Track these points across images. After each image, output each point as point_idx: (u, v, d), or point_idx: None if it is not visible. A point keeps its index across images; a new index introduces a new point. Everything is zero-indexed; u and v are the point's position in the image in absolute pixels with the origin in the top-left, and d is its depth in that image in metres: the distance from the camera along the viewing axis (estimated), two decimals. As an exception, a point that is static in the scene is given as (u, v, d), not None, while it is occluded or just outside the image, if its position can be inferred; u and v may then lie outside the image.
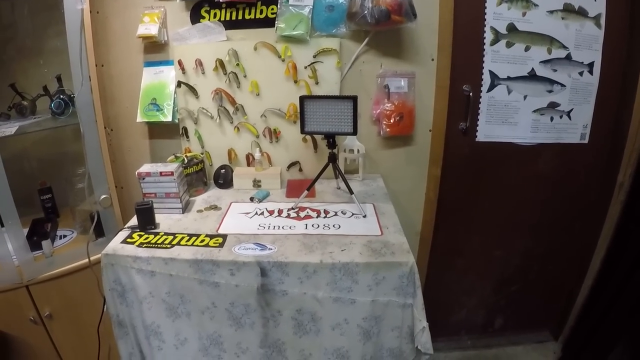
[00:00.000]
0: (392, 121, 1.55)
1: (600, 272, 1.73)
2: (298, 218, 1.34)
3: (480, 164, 1.70)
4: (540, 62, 1.60)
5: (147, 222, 1.31)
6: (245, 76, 1.56)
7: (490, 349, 1.91)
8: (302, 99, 1.33)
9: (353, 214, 1.35)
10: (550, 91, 1.63)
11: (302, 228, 1.27)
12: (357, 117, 1.28)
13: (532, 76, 1.61)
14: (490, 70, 1.60)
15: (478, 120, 1.64)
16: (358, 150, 1.59)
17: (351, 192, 1.37)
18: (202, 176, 1.58)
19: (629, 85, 1.59)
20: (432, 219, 1.71)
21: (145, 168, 1.40)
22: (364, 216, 1.33)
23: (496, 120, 1.65)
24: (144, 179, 1.39)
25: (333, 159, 1.38)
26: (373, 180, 1.64)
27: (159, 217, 1.36)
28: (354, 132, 1.30)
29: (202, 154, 1.65)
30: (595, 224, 1.74)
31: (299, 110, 1.35)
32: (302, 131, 1.35)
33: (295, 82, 1.55)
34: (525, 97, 1.63)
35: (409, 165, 1.68)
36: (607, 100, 1.64)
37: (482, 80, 1.60)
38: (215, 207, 1.45)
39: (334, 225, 1.28)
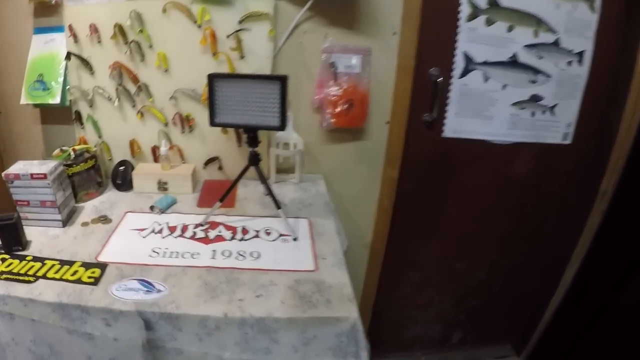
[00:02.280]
0: (338, 110, 1.17)
1: (572, 287, 1.47)
2: (206, 240, 0.96)
3: (446, 163, 1.36)
4: (525, 46, 1.25)
5: (12, 241, 0.93)
6: (150, 46, 1.13)
7: (446, 366, 1.65)
8: (212, 77, 0.92)
9: (280, 235, 0.98)
10: (533, 82, 1.29)
11: (208, 257, 0.90)
12: (286, 105, 0.90)
13: (513, 62, 1.26)
14: (464, 52, 1.23)
15: (446, 111, 1.29)
16: (295, 145, 1.21)
17: (278, 207, 0.99)
18: (95, 175, 1.16)
19: (621, 82, 1.28)
20: (385, 228, 1.38)
21: (16, 168, 0.99)
22: (295, 239, 0.97)
23: (468, 112, 1.30)
24: (12, 182, 0.97)
25: (255, 160, 0.99)
26: (312, 183, 1.26)
27: (33, 232, 0.99)
28: (282, 127, 0.92)
29: (98, 145, 1.22)
30: (571, 234, 1.46)
31: (207, 94, 0.93)
32: (212, 122, 0.95)
33: (214, 54, 1.12)
34: (504, 86, 1.29)
35: (359, 164, 1.32)
36: (595, 97, 1.32)
37: (454, 63, 1.24)
38: (105, 219, 1.05)
39: (251, 254, 0.91)
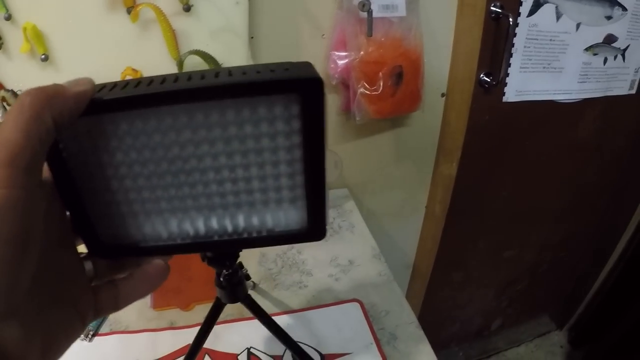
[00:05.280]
0: (380, 88, 0.65)
1: (622, 258, 1.19)
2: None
3: (503, 138, 0.92)
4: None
5: None
6: (8, 17, 0.51)
7: (487, 358, 1.35)
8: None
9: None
10: (609, 17, 0.86)
11: None
12: (324, 164, 0.27)
13: (590, -9, 0.81)
14: (535, -26, 0.75)
15: (509, 66, 0.83)
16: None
17: None
18: None
19: None
20: (434, 243, 0.93)
21: None
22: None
23: (535, 65, 0.85)
24: None
25: (235, 292, 0.41)
26: (337, 210, 0.74)
27: None
28: (314, 232, 0.29)
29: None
30: (626, 204, 1.13)
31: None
32: (93, 248, 0.28)
33: (131, 10, 0.52)
34: (578, 25, 0.84)
35: (398, 164, 0.83)
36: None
37: (522, -7, 0.76)
38: None
39: None
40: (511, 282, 1.24)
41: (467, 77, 0.73)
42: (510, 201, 1.04)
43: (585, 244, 1.26)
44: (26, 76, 0.57)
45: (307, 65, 0.27)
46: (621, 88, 0.98)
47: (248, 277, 0.42)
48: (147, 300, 0.62)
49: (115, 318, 0.59)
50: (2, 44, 0.54)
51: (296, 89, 0.25)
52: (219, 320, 0.58)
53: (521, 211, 1.08)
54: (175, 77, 0.27)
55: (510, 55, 0.81)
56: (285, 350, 0.54)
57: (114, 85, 0.28)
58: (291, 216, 0.31)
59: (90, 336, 0.57)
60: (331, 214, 0.73)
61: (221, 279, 0.39)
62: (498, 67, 0.80)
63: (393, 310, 0.59)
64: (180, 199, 0.29)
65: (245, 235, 0.31)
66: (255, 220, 0.31)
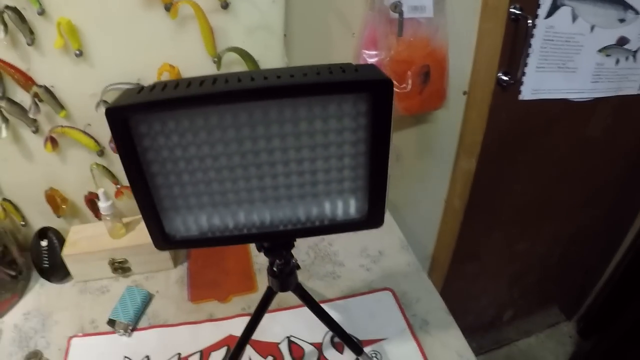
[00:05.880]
0: (409, 87, 0.67)
1: (630, 250, 1.21)
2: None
3: (518, 135, 0.95)
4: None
5: None
6: (42, 13, 0.52)
7: (499, 348, 1.37)
8: (122, 115, 0.27)
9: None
10: (622, 20, 0.88)
11: None
12: (387, 160, 0.33)
13: (604, -6, 0.83)
14: (554, -23, 0.77)
15: (526, 66, 0.85)
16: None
17: (358, 353, 0.50)
18: (4, 269, 0.58)
19: None
20: (452, 237, 0.96)
21: None
22: None
23: (551, 65, 0.87)
24: None
25: (287, 281, 0.43)
26: None
27: None
28: (371, 219, 0.34)
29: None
30: (635, 197, 1.16)
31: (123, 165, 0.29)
32: (158, 242, 0.33)
33: (168, 7, 0.54)
34: (592, 28, 0.86)
35: (421, 157, 0.85)
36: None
37: (541, -5, 0.78)
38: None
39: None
40: (523, 274, 1.26)
41: (488, 76, 0.76)
42: (523, 195, 1.07)
43: (595, 237, 1.29)
44: (59, 72, 0.57)
45: (374, 67, 0.29)
46: (632, 88, 1.00)
47: (298, 267, 0.43)
48: (184, 293, 0.64)
49: (153, 312, 0.60)
50: (35, 39, 0.54)
51: (369, 89, 0.28)
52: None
53: (534, 205, 1.10)
54: (251, 77, 0.29)
55: (528, 55, 0.84)
56: (324, 337, 0.56)
57: (189, 82, 0.30)
58: (352, 206, 0.33)
59: (129, 331, 0.58)
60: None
61: (274, 269, 0.41)
62: (516, 67, 0.83)
63: (423, 297, 0.62)
64: (248, 191, 0.32)
65: (308, 225, 0.33)
66: (318, 210, 0.33)
